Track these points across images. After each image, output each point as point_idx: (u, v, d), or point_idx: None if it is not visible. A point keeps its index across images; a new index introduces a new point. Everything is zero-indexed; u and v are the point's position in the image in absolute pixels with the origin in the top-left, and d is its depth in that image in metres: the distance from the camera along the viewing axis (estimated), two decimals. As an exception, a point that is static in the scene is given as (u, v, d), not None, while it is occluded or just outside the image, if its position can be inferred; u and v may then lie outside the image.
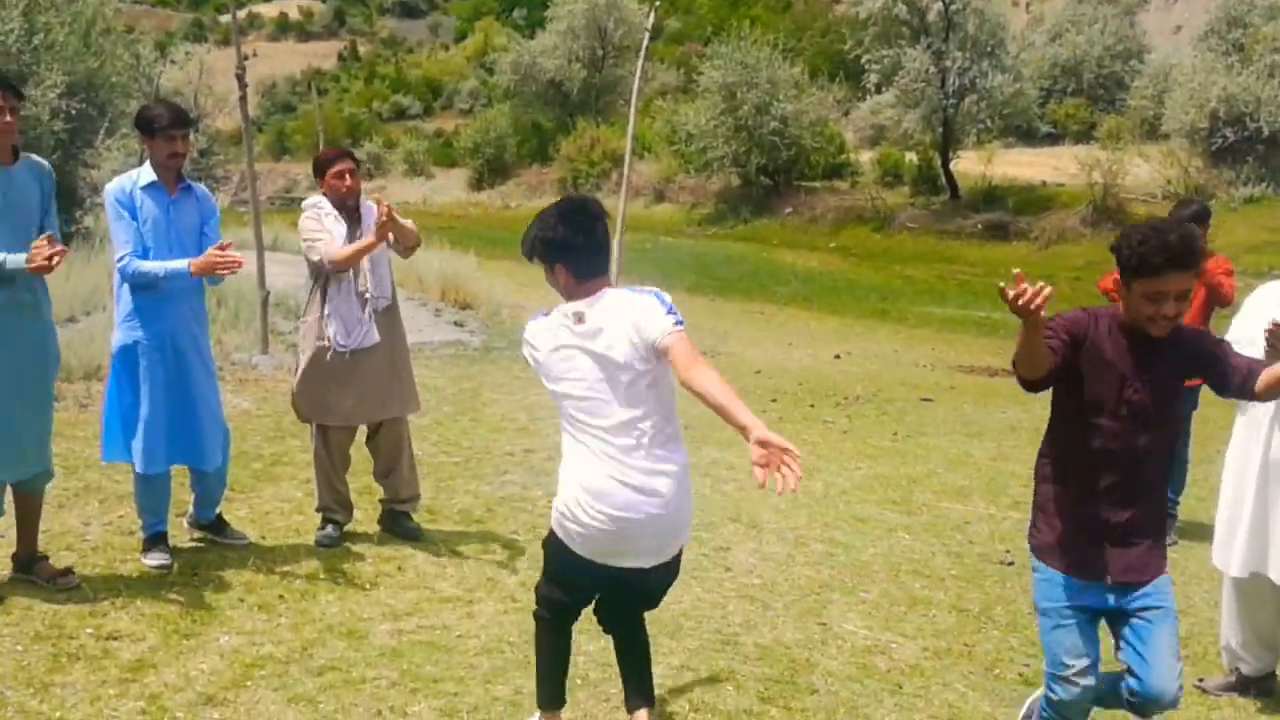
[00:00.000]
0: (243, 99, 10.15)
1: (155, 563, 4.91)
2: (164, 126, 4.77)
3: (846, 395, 10.25)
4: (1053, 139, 37.19)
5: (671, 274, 23.54)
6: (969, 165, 30.94)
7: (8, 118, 4.31)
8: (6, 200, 4.34)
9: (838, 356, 13.08)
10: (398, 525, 5.59)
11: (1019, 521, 6.59)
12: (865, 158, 35.68)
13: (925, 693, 4.30)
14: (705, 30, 61.39)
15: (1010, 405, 10.30)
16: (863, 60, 32.80)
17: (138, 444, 4.83)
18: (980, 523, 6.59)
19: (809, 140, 34.08)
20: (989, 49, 31.07)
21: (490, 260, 20.07)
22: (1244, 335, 4.42)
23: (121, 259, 4.70)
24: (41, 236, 4.24)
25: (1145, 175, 27.09)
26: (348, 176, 5.24)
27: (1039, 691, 3.60)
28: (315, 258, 5.20)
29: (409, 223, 5.20)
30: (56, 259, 4.22)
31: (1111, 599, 3.33)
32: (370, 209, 5.32)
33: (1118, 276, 3.23)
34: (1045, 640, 3.41)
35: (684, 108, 37.20)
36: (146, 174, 4.83)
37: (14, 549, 4.69)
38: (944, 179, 31.38)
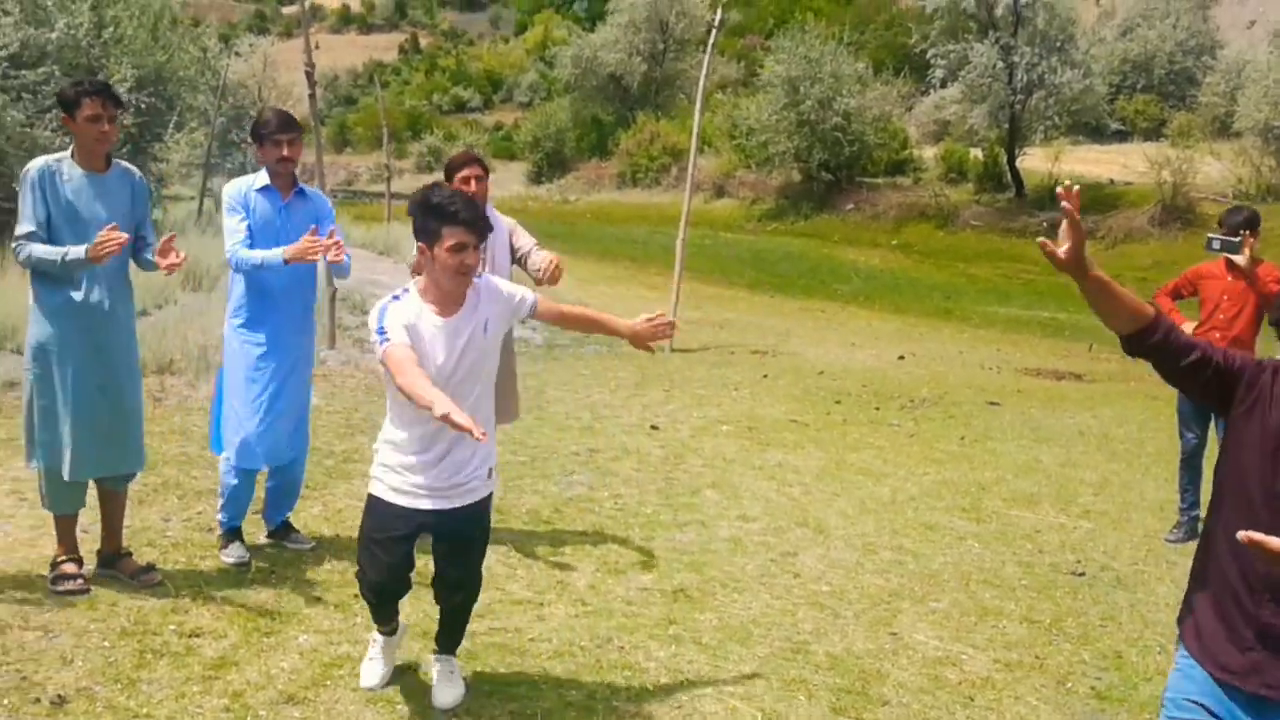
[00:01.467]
0: (312, 96, 10.27)
1: (233, 559, 5.01)
2: (270, 132, 4.90)
3: (912, 398, 10.16)
4: (1121, 136, 36.50)
5: (731, 270, 23.50)
6: (1035, 162, 30.47)
7: (106, 127, 4.42)
8: (100, 206, 4.44)
9: (902, 357, 12.96)
10: None
11: (1090, 531, 6.52)
12: (929, 154, 35.28)
13: (997, 706, 4.26)
14: (767, 23, 61.10)
15: (1078, 410, 10.15)
16: (928, 55, 32.37)
17: (234, 437, 4.94)
18: (1050, 531, 6.50)
19: (872, 136, 33.75)
20: (1058, 44, 30.53)
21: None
22: None
23: (230, 250, 4.83)
24: (107, 226, 4.32)
25: (1216, 174, 26.51)
26: (473, 182, 5.28)
27: None
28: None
29: (545, 256, 5.33)
30: (176, 262, 4.49)
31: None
32: (497, 217, 5.37)
33: None
34: None
35: (745, 102, 37.02)
36: (262, 178, 4.98)
37: (99, 545, 4.79)
38: (1009, 176, 30.94)
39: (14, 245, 4.40)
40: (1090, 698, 4.38)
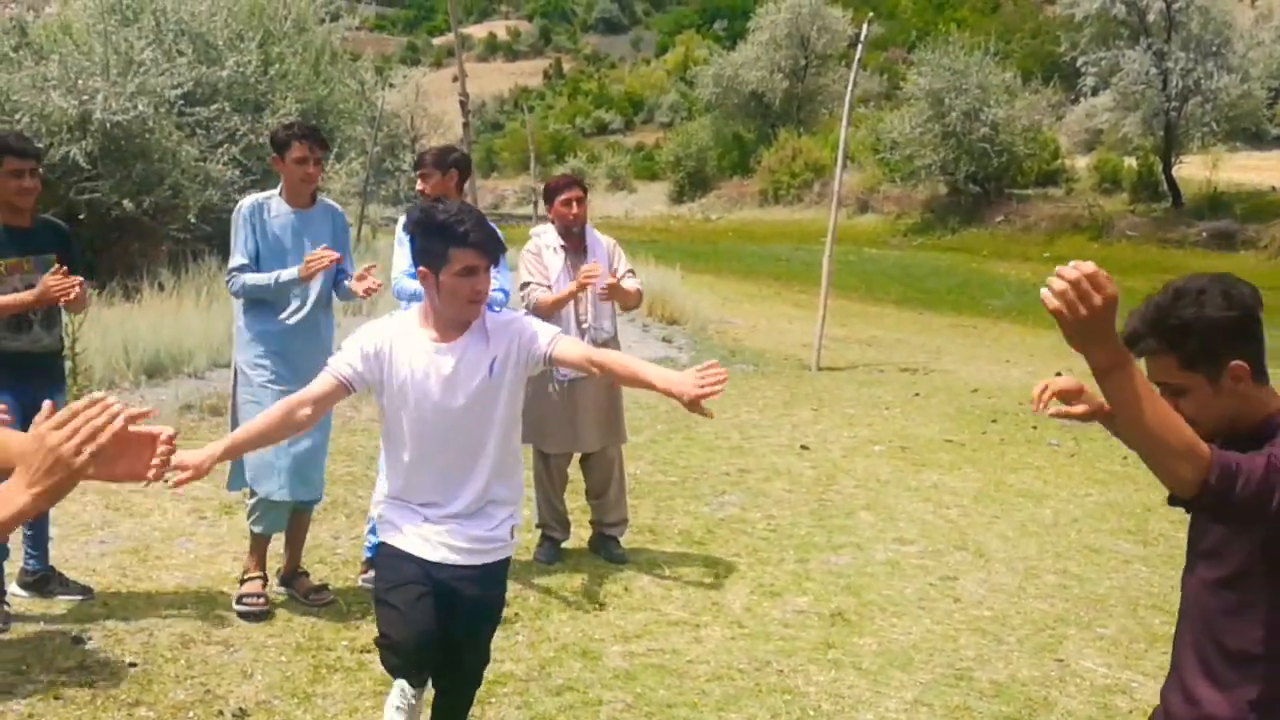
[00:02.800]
0: (466, 125, 10.58)
1: (367, 580, 5.11)
2: (416, 165, 5.12)
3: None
4: (1283, 141, 34.73)
5: (876, 287, 23.17)
6: (1193, 170, 29.27)
7: (312, 168, 4.70)
8: (303, 239, 4.70)
9: (1059, 374, 12.52)
10: (604, 549, 5.69)
11: (1274, 558, 6.18)
12: (1080, 163, 34.24)
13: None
14: (909, 35, 60.22)
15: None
16: (1078, 62, 31.47)
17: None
18: (1228, 558, 6.18)
19: (1021, 146, 32.95)
20: (1214, 48, 29.33)
21: (693, 274, 20.24)
22: None
23: (395, 278, 5.02)
24: (320, 249, 4.61)
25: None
26: (574, 205, 5.39)
27: None
28: (524, 305, 5.39)
29: (634, 284, 5.42)
30: (373, 286, 4.71)
31: None
32: (597, 239, 5.47)
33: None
34: None
35: (889, 115, 36.57)
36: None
37: (280, 564, 5.00)
38: (1166, 185, 29.78)
39: (227, 278, 4.72)
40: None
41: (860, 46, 13.34)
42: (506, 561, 3.34)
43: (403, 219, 5.13)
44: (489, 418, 3.16)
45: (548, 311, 5.31)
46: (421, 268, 3.10)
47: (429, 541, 3.16)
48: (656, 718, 4.03)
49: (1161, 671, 4.54)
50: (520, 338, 3.19)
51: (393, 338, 3.15)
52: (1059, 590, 5.53)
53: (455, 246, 3.02)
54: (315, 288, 4.76)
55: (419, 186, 5.13)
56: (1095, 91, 32.51)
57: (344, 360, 3.14)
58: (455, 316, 3.12)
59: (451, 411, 3.12)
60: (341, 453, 7.11)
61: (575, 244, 5.45)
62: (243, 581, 4.74)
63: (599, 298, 5.41)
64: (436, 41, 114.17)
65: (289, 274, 4.58)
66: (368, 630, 4.63)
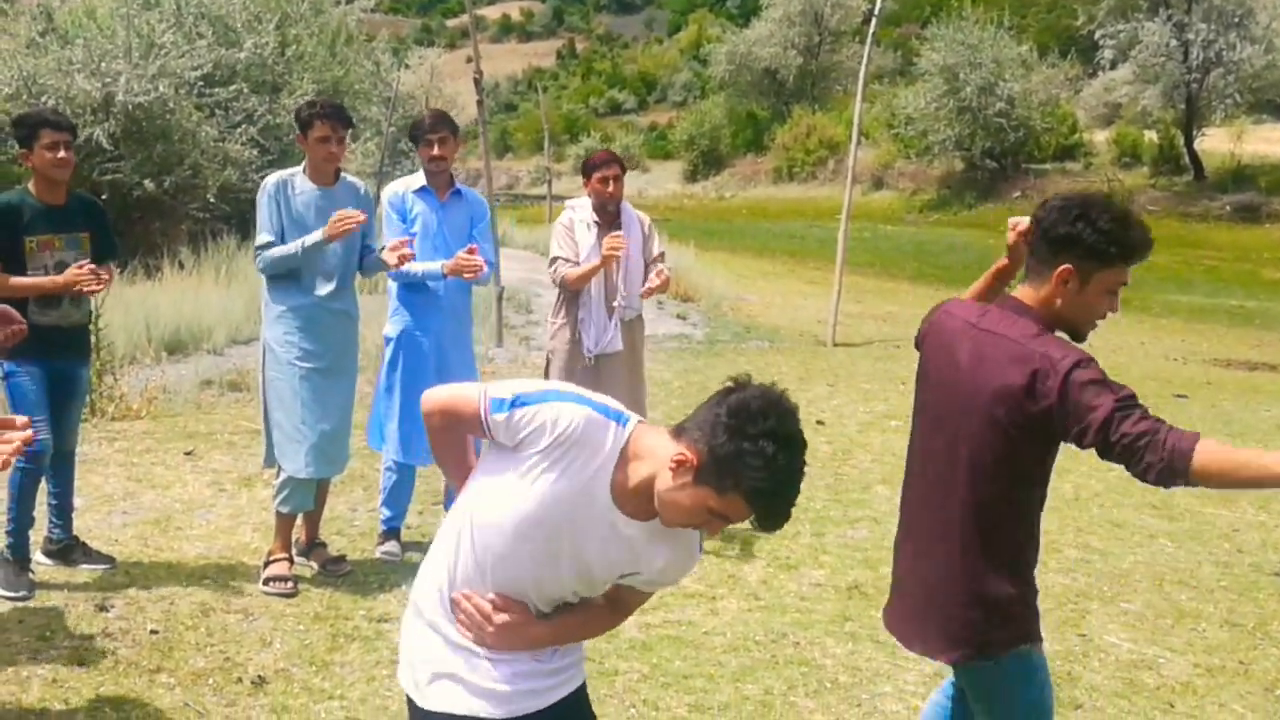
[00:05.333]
0: (480, 103, 10.53)
1: (385, 553, 5.17)
2: (423, 132, 5.08)
3: (1091, 390, 9.75)
4: (1310, 112, 34.34)
5: (892, 263, 23.07)
6: (1215, 143, 28.99)
7: (335, 148, 4.69)
8: (327, 217, 4.67)
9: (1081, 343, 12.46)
10: None
11: (1297, 531, 6.12)
12: (1099, 138, 33.98)
13: (1199, 713, 4.03)
14: (923, 10, 59.73)
15: (1274, 402, 9.57)
16: (1096, 35, 31.15)
17: (394, 431, 5.10)
18: (1250, 530, 6.13)
19: (1038, 121, 32.70)
20: (1236, 19, 28.99)
21: (707, 252, 20.18)
22: None
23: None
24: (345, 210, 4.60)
25: None
26: (612, 183, 5.33)
27: None
28: (554, 279, 5.36)
29: (664, 274, 5.42)
30: (407, 254, 4.74)
31: None
32: (632, 216, 5.43)
33: (1069, 270, 2.51)
34: None
35: (903, 91, 36.33)
36: (419, 179, 5.16)
37: (298, 534, 5.01)
38: (1187, 158, 29.51)
39: (255, 256, 4.74)
40: (1304, 706, 4.10)
41: (874, 22, 13.22)
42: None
43: (386, 194, 5.12)
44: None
45: (575, 285, 5.28)
46: None
47: (502, 690, 2.25)
48: (673, 688, 4.01)
49: (1189, 648, 4.54)
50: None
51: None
52: (1081, 565, 5.49)
53: None
54: (341, 261, 4.76)
55: (436, 152, 5.06)
56: (1114, 64, 32.22)
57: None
58: None
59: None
60: (358, 427, 7.07)
61: (609, 220, 5.41)
62: (268, 564, 4.75)
63: (641, 295, 5.40)
64: (450, 23, 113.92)
65: (314, 238, 4.59)
66: (384, 600, 4.65)
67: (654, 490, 2.12)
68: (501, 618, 2.21)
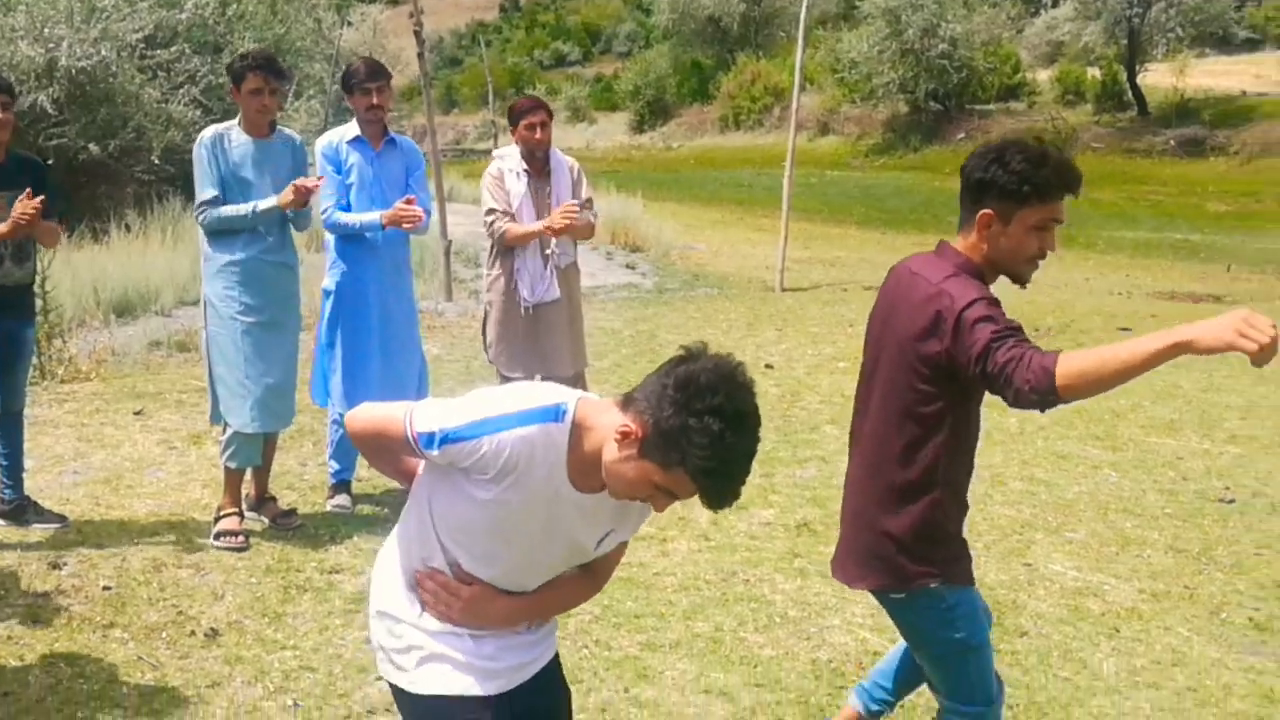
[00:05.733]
0: (421, 56, 10.38)
1: (336, 505, 5.15)
2: (360, 81, 5.01)
3: (1037, 326, 9.86)
4: (1252, 45, 34.77)
5: (839, 209, 23.14)
6: (1158, 78, 29.22)
7: (267, 99, 4.64)
8: (263, 169, 4.66)
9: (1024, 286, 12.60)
10: None
11: (1237, 457, 6.26)
12: (1043, 76, 34.15)
13: (1145, 637, 4.12)
14: (867, -46, 59.45)
15: (1215, 333, 9.74)
16: (1038, -27, 31.19)
17: (338, 385, 5.06)
18: (1194, 458, 6.25)
19: (981, 61, 32.78)
20: (1176, -48, 29.13)
21: (655, 202, 20.13)
22: None
23: (325, 211, 4.97)
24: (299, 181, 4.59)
25: (1360, 79, 25.02)
26: (539, 129, 5.26)
27: None
28: (492, 234, 5.29)
29: (589, 216, 5.34)
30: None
31: None
32: (560, 161, 5.37)
33: (990, 214, 2.56)
34: (977, 679, 2.75)
35: (846, 35, 36.23)
36: (352, 129, 5.09)
37: (247, 489, 4.99)
38: (1131, 94, 29.72)
39: (198, 212, 4.66)
40: (1249, 629, 4.20)
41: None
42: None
43: (320, 144, 5.03)
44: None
45: (515, 243, 5.22)
46: None
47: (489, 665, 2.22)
48: (624, 628, 4.04)
49: (1134, 574, 4.63)
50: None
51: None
52: (1026, 497, 5.58)
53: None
54: (280, 213, 4.70)
55: (375, 101, 4.97)
56: (1055, 2, 32.32)
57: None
58: None
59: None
60: (307, 383, 7.04)
61: (538, 168, 5.34)
62: (218, 519, 4.73)
63: (548, 228, 5.32)
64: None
65: (268, 203, 4.56)
66: (336, 552, 4.66)
67: (601, 461, 2.05)
68: (468, 592, 2.16)
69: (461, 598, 2.16)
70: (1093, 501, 5.54)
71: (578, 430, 2.08)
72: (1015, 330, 2.41)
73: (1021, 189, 2.50)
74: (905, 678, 3.05)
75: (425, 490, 2.21)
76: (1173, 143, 27.17)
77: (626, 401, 2.05)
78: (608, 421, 2.05)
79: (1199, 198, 23.25)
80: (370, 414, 2.22)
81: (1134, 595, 4.48)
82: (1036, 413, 6.77)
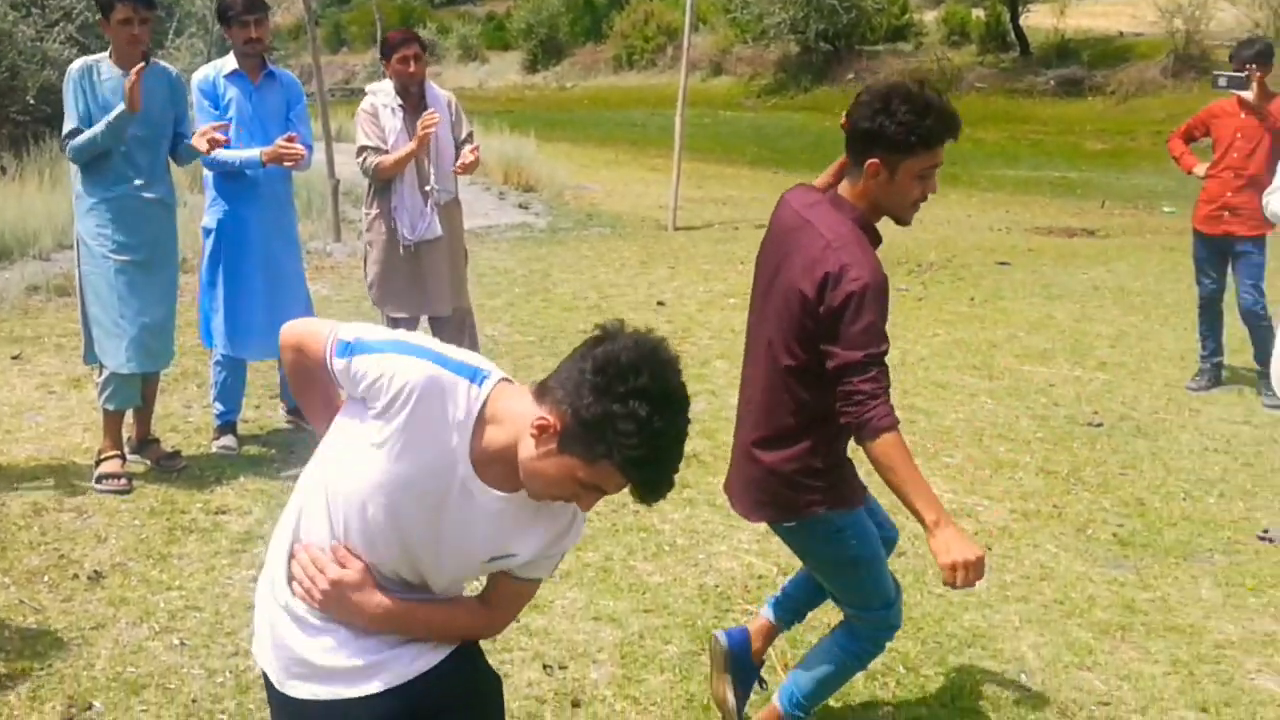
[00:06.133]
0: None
1: (221, 446, 5.09)
2: (238, 13, 4.87)
3: (920, 262, 10.11)
4: (1130, -14, 35.54)
5: (732, 149, 23.21)
6: (1040, 19, 29.72)
7: (137, 30, 4.47)
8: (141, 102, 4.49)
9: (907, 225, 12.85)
10: None
11: (1106, 383, 6.54)
12: (929, 17, 34.46)
13: (1015, 554, 4.32)
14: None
15: (1092, 266, 10.10)
16: (924, -87, 31.40)
17: (219, 325, 4.98)
18: (1065, 385, 6.51)
19: (870, 2, 32.96)
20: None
21: (549, 142, 19.92)
22: None
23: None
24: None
25: (1230, 20, 25.72)
26: (412, 62, 5.18)
27: None
28: (365, 170, 5.22)
29: (476, 152, 5.29)
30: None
31: None
32: (437, 96, 5.30)
33: (877, 163, 2.61)
34: (872, 587, 2.88)
35: (738, -26, 36.08)
36: (229, 63, 4.96)
37: (129, 431, 4.90)
38: (1013, 35, 30.25)
39: (64, 144, 4.51)
40: (1112, 544, 4.43)
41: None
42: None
43: (195, 79, 4.89)
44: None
45: (388, 173, 5.16)
46: None
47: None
48: (518, 560, 4.09)
49: (1006, 495, 4.83)
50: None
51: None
52: (907, 425, 5.66)
53: None
54: (153, 148, 4.59)
55: (254, 34, 4.84)
56: (942, -55, 32.62)
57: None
58: None
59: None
60: (191, 325, 6.87)
61: (414, 103, 5.26)
62: (99, 462, 4.64)
63: (454, 171, 5.28)
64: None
65: (114, 112, 4.38)
66: (222, 493, 4.61)
67: (517, 459, 1.87)
68: (336, 572, 1.92)
69: (328, 577, 1.93)
70: (969, 428, 5.74)
71: (489, 408, 1.89)
72: (882, 354, 2.54)
73: (908, 139, 2.56)
74: (813, 591, 3.17)
75: (326, 451, 2.01)
76: (1053, 83, 27.76)
77: (542, 391, 1.86)
78: (521, 411, 1.87)
79: (1077, 136, 23.87)
80: (302, 326, 2.07)
81: (1006, 515, 4.68)
82: (919, 346, 6.91)
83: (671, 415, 1.80)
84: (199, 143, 4.56)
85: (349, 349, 1.93)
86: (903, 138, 2.55)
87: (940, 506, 2.48)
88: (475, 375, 1.90)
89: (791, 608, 3.22)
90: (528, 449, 1.84)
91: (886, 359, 2.56)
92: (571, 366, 1.83)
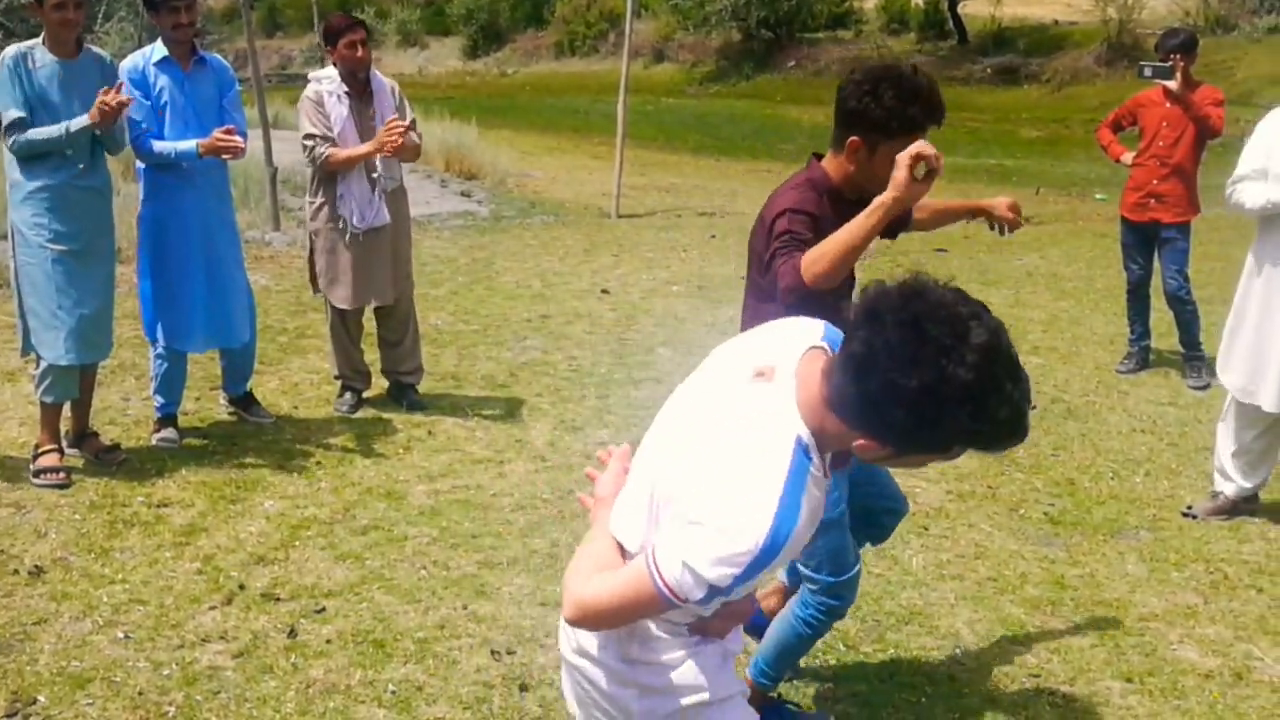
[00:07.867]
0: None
1: (161, 439, 5.04)
2: None
3: (859, 249, 10.23)
4: (1064, -23, 36.06)
5: (674, 136, 23.26)
6: (978, 7, 30.08)
7: (71, 14, 4.39)
8: (70, 92, 4.43)
9: (848, 211, 13.00)
10: (404, 397, 5.67)
11: (1039, 366, 6.68)
12: (869, 4, 34.70)
13: (951, 533, 4.43)
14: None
15: (1026, 252, 10.29)
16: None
17: (161, 318, 4.92)
18: (1002, 367, 6.64)
19: (810, -11, 33.17)
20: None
21: (491, 130, 19.82)
22: (1254, 168, 4.37)
23: (136, 138, 4.72)
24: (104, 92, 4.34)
25: (1162, 9, 26.28)
26: (359, 47, 5.15)
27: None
28: (313, 160, 5.18)
29: (414, 137, 5.26)
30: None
31: None
32: (382, 83, 5.29)
33: (858, 142, 2.69)
34: (832, 551, 2.91)
35: (680, -39, 36.07)
36: (159, 50, 4.84)
37: (67, 425, 4.83)
38: (951, 23, 30.60)
39: (5, 135, 4.42)
40: (1044, 523, 4.56)
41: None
42: None
43: (124, 67, 4.79)
44: None
45: (340, 168, 5.13)
46: None
47: None
48: (462, 548, 4.13)
49: (942, 476, 4.94)
50: None
51: None
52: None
53: None
54: (90, 136, 4.47)
55: (184, 19, 4.73)
56: (881, -67, 32.86)
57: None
58: None
59: None
60: (130, 317, 6.78)
61: (360, 89, 5.24)
62: (36, 456, 4.59)
63: (381, 144, 5.24)
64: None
65: (80, 122, 4.34)
66: (164, 485, 4.58)
67: None
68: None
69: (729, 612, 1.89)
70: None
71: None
72: (797, 242, 2.62)
73: (890, 124, 2.62)
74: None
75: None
76: (989, 71, 28.15)
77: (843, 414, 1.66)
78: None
79: (1013, 124, 24.23)
80: (596, 590, 1.75)
81: (941, 496, 4.80)
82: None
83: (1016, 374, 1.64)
84: (93, 114, 4.33)
85: (707, 596, 1.69)
86: (885, 122, 2.63)
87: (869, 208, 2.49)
88: (803, 449, 1.70)
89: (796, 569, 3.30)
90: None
91: (793, 248, 2.64)
92: (880, 376, 1.58)
